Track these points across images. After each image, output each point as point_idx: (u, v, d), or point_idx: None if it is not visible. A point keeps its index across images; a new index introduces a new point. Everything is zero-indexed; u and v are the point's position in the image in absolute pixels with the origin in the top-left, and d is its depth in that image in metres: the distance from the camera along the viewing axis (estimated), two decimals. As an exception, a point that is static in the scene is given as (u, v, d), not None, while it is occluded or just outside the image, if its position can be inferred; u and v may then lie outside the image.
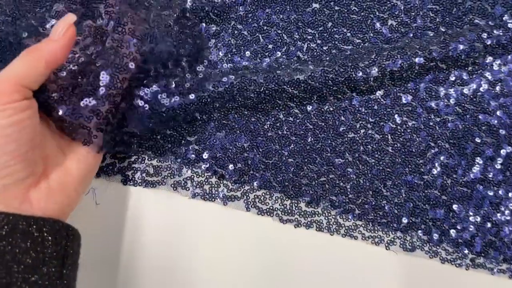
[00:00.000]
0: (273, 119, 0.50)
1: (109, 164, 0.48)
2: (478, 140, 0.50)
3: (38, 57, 0.36)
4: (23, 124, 0.35)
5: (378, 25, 0.51)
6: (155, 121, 0.45)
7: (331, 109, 0.50)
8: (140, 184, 0.48)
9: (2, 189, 0.34)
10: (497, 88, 0.50)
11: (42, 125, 0.39)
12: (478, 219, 0.49)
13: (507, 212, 0.49)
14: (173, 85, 0.45)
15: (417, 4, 0.51)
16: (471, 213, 0.49)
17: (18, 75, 0.35)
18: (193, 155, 0.49)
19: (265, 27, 0.51)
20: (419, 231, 0.49)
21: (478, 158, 0.50)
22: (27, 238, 0.35)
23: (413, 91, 0.50)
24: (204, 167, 0.49)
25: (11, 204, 0.35)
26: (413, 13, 0.51)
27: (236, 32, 0.51)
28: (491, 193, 0.49)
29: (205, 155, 0.49)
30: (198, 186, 0.49)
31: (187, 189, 0.48)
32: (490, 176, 0.49)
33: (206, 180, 0.49)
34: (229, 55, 0.50)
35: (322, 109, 0.50)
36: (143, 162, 0.48)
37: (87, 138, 0.41)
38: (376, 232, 0.49)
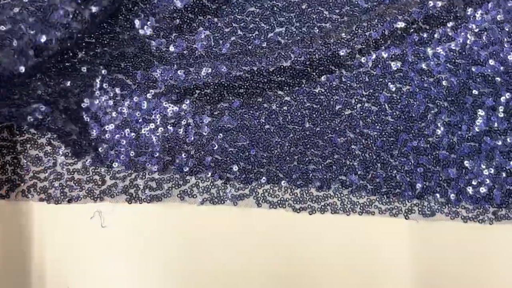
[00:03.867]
0: (267, 112, 0.49)
1: (111, 185, 0.47)
2: (475, 92, 0.49)
3: None
4: None
5: None
6: None
7: (323, 90, 0.49)
8: (145, 200, 0.47)
9: None
10: (484, 37, 0.50)
11: None
12: (492, 171, 0.48)
13: (519, 158, 0.48)
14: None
15: None
16: (483, 167, 0.48)
17: None
18: (193, 163, 0.48)
19: (240, 17, 0.50)
20: (436, 194, 0.48)
21: (480, 110, 0.49)
22: None
23: (401, 56, 0.50)
24: (208, 173, 0.47)
25: None
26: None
27: (212, 25, 0.50)
28: (499, 143, 0.48)
29: (207, 161, 0.48)
30: (205, 191, 0.47)
31: (195, 196, 0.47)
32: (495, 125, 0.48)
33: (212, 184, 0.47)
34: (208, 49, 0.49)
35: (314, 92, 0.49)
36: (144, 177, 0.47)
37: None
38: (393, 203, 0.48)
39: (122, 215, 0.47)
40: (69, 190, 0.47)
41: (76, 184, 0.47)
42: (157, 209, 0.47)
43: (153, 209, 0.47)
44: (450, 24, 0.50)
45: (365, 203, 0.48)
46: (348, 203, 0.48)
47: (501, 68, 0.49)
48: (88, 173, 0.47)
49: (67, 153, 0.47)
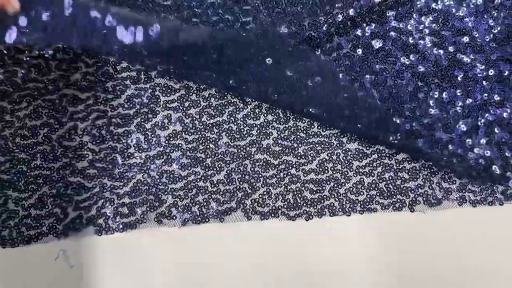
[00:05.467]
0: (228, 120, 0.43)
1: (75, 218, 0.40)
2: (467, 60, 0.45)
3: None
4: None
5: None
6: None
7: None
8: (117, 230, 0.40)
9: None
10: (468, 4, 0.46)
11: None
12: (495, 148, 0.44)
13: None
14: None
15: None
16: (484, 141, 0.44)
17: None
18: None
19: (199, 11, 0.45)
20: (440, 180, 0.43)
21: (472, 82, 0.45)
22: None
23: (381, 33, 0.45)
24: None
25: None
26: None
27: None
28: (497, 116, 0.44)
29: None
30: (185, 210, 0.41)
31: (174, 217, 0.41)
32: (491, 97, 0.45)
33: (192, 201, 0.42)
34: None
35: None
36: (112, 203, 0.41)
37: None
38: (395, 197, 0.43)
39: (92, 250, 0.40)
40: (27, 229, 0.40)
41: (34, 221, 0.40)
42: (133, 238, 0.41)
43: (128, 239, 0.41)
44: (430, -7, 0.46)
45: (365, 200, 0.43)
46: (347, 202, 0.43)
47: (489, 36, 0.45)
48: (46, 206, 0.40)
49: (19, 187, 0.40)
